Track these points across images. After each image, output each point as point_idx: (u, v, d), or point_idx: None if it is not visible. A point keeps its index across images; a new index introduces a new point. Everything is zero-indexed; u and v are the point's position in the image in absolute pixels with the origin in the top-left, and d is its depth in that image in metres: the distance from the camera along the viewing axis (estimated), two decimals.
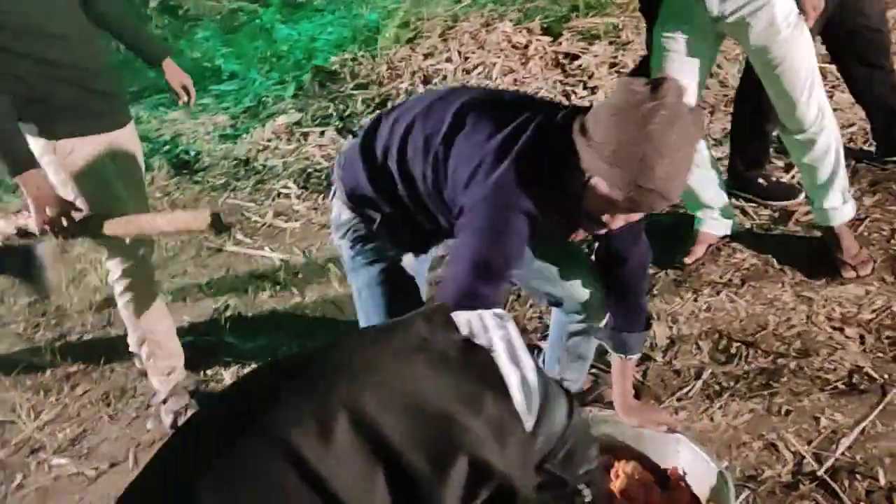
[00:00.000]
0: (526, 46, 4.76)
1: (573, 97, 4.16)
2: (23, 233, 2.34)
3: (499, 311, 1.21)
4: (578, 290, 1.93)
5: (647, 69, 2.50)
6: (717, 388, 2.24)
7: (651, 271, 2.75)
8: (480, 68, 4.60)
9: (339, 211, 1.82)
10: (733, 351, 2.35)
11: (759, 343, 2.35)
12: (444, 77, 4.64)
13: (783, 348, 2.32)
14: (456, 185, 1.57)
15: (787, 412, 2.10)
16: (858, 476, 1.89)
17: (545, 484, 1.18)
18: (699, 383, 2.26)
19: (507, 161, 1.50)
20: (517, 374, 1.12)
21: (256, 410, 1.00)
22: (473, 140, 1.56)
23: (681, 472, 1.84)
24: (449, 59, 4.75)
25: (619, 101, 1.39)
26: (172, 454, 1.01)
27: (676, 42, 2.40)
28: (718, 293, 2.59)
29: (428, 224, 1.73)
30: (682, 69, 2.41)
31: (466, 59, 4.74)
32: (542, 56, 4.66)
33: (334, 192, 1.84)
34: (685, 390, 2.25)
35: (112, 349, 2.89)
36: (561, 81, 4.37)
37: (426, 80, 4.69)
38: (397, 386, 1.04)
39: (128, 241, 2.36)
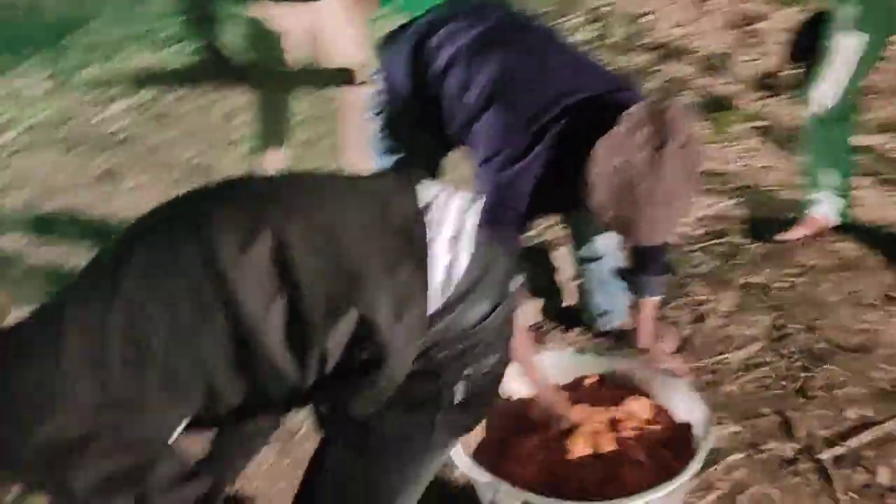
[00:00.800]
0: (706, 0, 4.61)
1: (735, 58, 4.02)
2: None
3: (473, 195, 1.27)
4: None
5: (817, 27, 2.45)
6: (758, 361, 2.24)
7: (743, 241, 2.74)
8: (651, 16, 4.54)
9: (378, 90, 1.97)
10: (790, 330, 2.33)
11: (819, 328, 2.32)
12: (612, 18, 4.61)
13: (843, 339, 2.27)
14: (473, 147, 1.71)
15: (816, 397, 2.09)
16: (861, 469, 1.87)
17: (422, 370, 1.16)
18: (742, 353, 2.27)
19: (519, 165, 1.63)
20: (448, 258, 1.15)
21: (200, 209, 1.12)
22: (502, 120, 1.66)
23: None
24: None
25: (620, 170, 1.47)
26: (128, 237, 1.15)
27: (852, 9, 2.32)
28: (802, 275, 2.54)
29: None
30: (851, 41, 2.35)
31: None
32: (722, 12, 4.51)
33: (378, 71, 1.98)
34: (726, 356, 2.27)
35: None
36: (729, 43, 4.23)
37: (596, 19, 4.68)
38: (329, 227, 1.10)
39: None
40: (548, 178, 1.64)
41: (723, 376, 2.20)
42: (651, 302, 1.98)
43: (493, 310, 1.20)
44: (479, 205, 1.26)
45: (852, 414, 2.03)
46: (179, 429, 1.12)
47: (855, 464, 1.89)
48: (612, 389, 1.95)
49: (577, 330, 2.41)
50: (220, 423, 1.25)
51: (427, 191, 1.23)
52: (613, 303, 2.27)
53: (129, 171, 3.72)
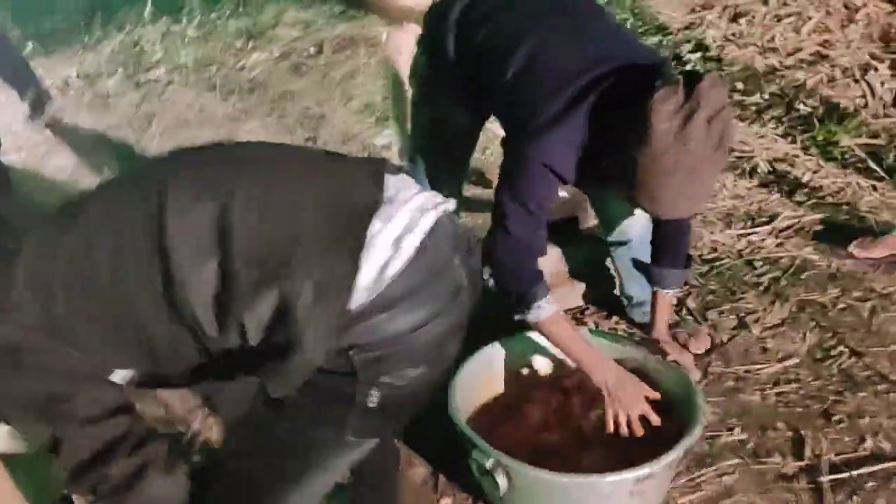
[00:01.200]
0: (857, 9, 4.35)
1: (870, 72, 3.79)
2: None
3: (449, 203, 1.24)
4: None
5: None
6: (790, 377, 2.19)
7: (816, 257, 2.64)
8: (792, 19, 4.33)
9: (420, 58, 2.03)
10: (835, 353, 2.25)
11: (865, 355, 2.22)
12: (752, 17, 4.44)
13: (887, 370, 2.17)
14: (509, 116, 1.76)
15: (840, 421, 2.02)
16: (857, 499, 1.81)
17: (339, 367, 1.14)
18: (776, 367, 2.22)
19: (554, 128, 1.66)
20: (386, 255, 1.11)
21: (170, 166, 1.20)
22: (537, 87, 1.70)
23: None
24: (765, 2, 4.52)
25: (651, 138, 1.47)
26: (107, 182, 1.27)
27: None
28: (865, 301, 2.43)
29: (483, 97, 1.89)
30: None
31: (785, 4, 4.47)
32: (869, 24, 4.24)
33: (421, 38, 2.04)
34: (759, 367, 2.23)
35: None
36: (872, 55, 3.98)
37: (734, 18, 4.52)
38: (280, 204, 1.12)
39: None
40: (581, 143, 1.66)
41: (748, 385, 2.17)
42: (667, 295, 1.99)
43: (429, 321, 1.16)
44: (444, 207, 1.23)
45: (869, 444, 1.95)
46: (122, 374, 1.17)
47: (853, 493, 1.83)
48: None
49: (615, 318, 2.44)
50: (176, 381, 1.30)
51: (394, 183, 1.21)
52: (646, 290, 2.27)
53: (253, 115, 4.02)
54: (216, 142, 1.32)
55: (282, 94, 4.23)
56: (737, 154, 3.25)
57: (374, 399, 1.16)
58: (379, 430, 1.27)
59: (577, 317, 2.46)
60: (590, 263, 2.51)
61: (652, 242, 2.01)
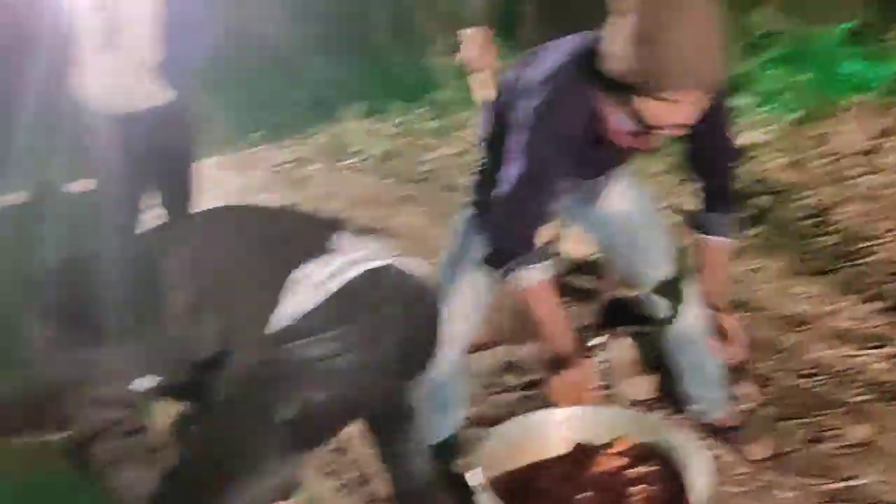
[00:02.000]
0: None
1: None
2: None
3: (403, 262, 1.54)
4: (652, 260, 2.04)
5: None
6: (849, 497, 2.08)
7: None
8: None
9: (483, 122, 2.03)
10: None
11: None
12: None
13: None
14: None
15: None
16: None
17: (261, 382, 1.39)
18: (838, 485, 2.12)
19: (546, 85, 1.66)
20: (307, 295, 1.40)
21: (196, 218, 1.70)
22: (538, 73, 1.72)
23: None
24: None
25: (634, 14, 1.49)
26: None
27: None
28: None
29: None
30: None
31: None
32: None
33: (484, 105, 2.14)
34: (817, 482, 2.13)
35: None
36: None
37: None
38: (234, 249, 1.49)
39: None
40: (578, 88, 1.64)
41: (800, 497, 2.09)
42: (716, 244, 1.91)
43: (338, 354, 1.39)
44: (386, 262, 1.49)
45: None
46: (143, 382, 1.40)
47: None
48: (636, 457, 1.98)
49: (685, 414, 2.43)
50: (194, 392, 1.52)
51: (346, 240, 1.53)
52: (707, 389, 2.23)
53: (416, 201, 4.47)
54: (222, 206, 1.72)
55: (448, 185, 4.65)
56: (867, 280, 3.13)
57: (287, 413, 1.38)
58: (302, 442, 1.45)
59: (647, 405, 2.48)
60: (664, 354, 2.54)
61: (697, 191, 1.94)
